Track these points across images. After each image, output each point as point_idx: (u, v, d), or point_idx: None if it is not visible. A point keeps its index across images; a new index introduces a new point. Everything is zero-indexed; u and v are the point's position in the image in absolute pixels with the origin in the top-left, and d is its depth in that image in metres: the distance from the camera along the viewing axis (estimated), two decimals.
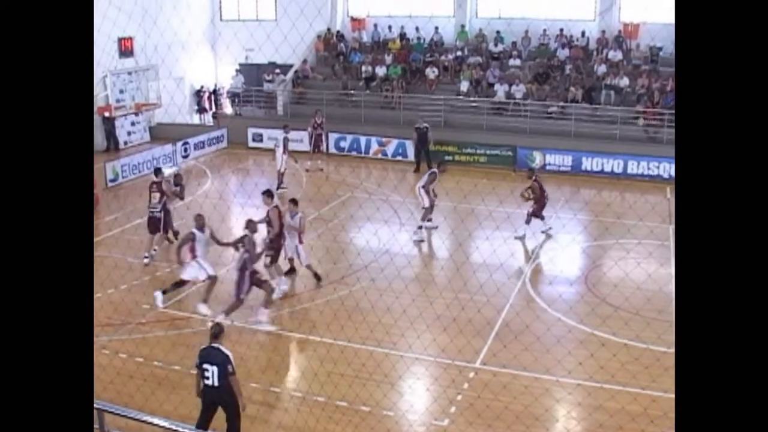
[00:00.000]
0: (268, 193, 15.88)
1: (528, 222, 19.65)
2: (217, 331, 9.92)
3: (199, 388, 9.86)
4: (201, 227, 14.98)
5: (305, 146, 29.50)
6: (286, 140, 24.40)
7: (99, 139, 31.40)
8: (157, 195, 18.11)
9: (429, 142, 27.18)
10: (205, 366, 9.62)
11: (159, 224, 18.10)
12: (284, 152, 24.28)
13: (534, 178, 19.72)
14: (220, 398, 9.71)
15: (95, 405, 7.69)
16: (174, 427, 7.23)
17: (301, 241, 15.95)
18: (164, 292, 15.21)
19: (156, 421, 7.43)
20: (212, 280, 14.97)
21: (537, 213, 19.53)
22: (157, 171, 18.86)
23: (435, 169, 20.14)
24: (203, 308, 14.67)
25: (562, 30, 32.34)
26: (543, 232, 19.72)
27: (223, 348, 9.69)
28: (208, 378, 9.61)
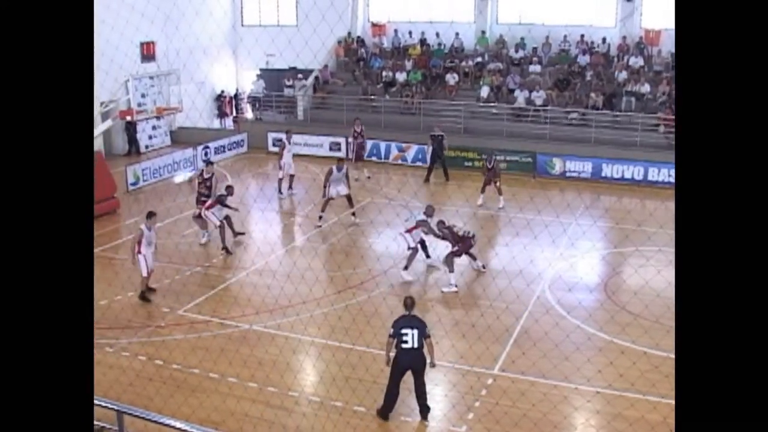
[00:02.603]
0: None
1: (483, 192, 23.24)
2: (411, 303, 11.35)
3: (389, 356, 11.10)
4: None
5: (324, 151, 29.65)
6: (283, 144, 24.69)
7: (120, 143, 31.68)
8: None
9: (445, 149, 27.07)
10: (405, 331, 10.92)
11: None
12: (281, 158, 24.75)
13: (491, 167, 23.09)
14: (415, 360, 10.99)
15: (115, 407, 7.74)
16: (193, 430, 7.25)
17: (139, 251, 15.69)
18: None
19: (175, 423, 7.45)
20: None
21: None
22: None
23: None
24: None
25: (582, 36, 32.25)
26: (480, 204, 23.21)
27: (419, 315, 11.27)
28: (406, 342, 10.89)
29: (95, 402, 7.93)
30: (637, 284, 14.94)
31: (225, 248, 18.85)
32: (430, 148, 27.11)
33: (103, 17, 18.07)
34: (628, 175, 26.72)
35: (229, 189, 19.53)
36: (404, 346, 10.91)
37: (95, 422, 9.22)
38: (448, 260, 16.57)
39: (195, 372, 12.71)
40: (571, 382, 12.06)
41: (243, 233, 19.99)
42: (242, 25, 38.27)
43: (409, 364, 11.03)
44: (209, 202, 19.01)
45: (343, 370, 12.22)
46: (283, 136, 26.32)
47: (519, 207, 21.44)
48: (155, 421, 7.66)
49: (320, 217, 21.24)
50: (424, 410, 11.26)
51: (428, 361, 11.17)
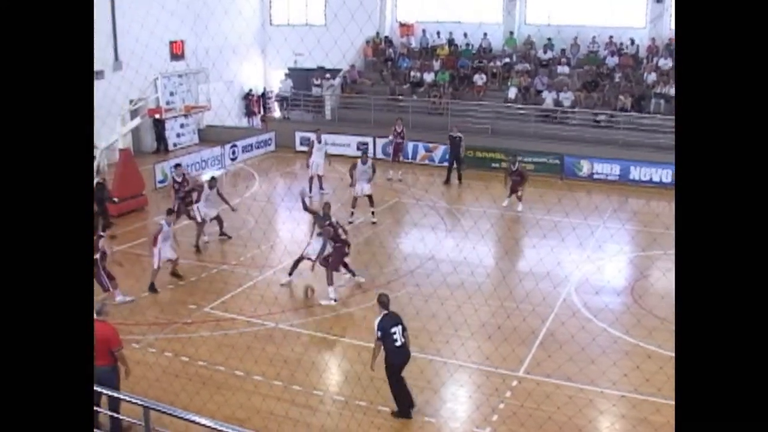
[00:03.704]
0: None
1: (509, 196, 23.11)
2: (387, 299, 11.45)
3: (376, 360, 11.11)
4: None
5: (352, 151, 29.65)
6: (312, 143, 24.76)
7: (149, 141, 31.94)
8: None
9: (463, 151, 26.95)
10: (393, 330, 10.96)
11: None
12: (310, 156, 24.73)
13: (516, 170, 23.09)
14: (406, 357, 11.13)
15: (142, 402, 7.81)
16: (218, 427, 7.29)
17: (155, 245, 16.31)
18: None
19: (200, 420, 7.51)
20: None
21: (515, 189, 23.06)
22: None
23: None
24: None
25: (611, 37, 32.00)
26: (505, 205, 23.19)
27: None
28: (396, 340, 10.96)
29: (123, 397, 8.03)
30: (665, 288, 14.81)
31: (196, 246, 19.15)
32: (449, 150, 27.08)
33: (133, 16, 18.24)
34: (656, 178, 26.47)
35: (212, 181, 19.60)
36: (396, 344, 10.98)
37: (123, 418, 9.33)
38: (327, 273, 15.98)
39: (221, 369, 12.78)
40: (597, 386, 12.00)
41: (229, 237, 19.95)
42: (271, 24, 38.42)
43: (402, 361, 11.12)
44: (197, 195, 19.40)
45: (368, 370, 12.21)
46: (311, 135, 26.33)
47: (546, 209, 21.32)
48: (181, 417, 7.72)
49: (351, 213, 21.31)
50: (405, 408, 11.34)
51: None
